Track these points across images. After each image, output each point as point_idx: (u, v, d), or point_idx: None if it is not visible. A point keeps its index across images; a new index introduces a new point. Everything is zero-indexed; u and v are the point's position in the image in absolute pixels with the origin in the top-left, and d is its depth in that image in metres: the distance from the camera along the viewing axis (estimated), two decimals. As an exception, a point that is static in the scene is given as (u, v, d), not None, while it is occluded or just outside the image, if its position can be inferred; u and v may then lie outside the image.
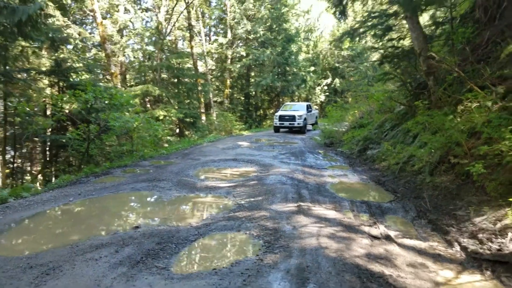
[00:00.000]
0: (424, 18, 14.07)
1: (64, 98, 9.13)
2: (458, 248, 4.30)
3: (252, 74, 33.54)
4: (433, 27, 11.07)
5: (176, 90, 24.43)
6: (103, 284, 3.22)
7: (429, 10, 14.74)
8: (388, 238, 4.40)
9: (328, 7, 10.50)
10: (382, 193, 6.94)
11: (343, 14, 10.08)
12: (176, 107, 20.95)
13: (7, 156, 14.92)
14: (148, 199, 6.72)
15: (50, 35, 10.34)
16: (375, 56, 34.48)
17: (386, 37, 11.43)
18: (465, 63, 8.57)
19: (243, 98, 34.15)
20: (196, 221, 5.17)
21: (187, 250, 4.10)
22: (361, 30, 11.70)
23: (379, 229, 4.68)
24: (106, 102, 10.46)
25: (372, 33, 11.75)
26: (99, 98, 9.69)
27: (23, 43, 11.28)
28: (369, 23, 11.22)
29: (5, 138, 11.99)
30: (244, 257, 3.84)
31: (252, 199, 6.22)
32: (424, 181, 6.80)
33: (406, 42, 12.17)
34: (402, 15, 9.93)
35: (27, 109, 9.17)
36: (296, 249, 3.95)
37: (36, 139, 16.08)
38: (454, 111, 7.50)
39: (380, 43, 11.50)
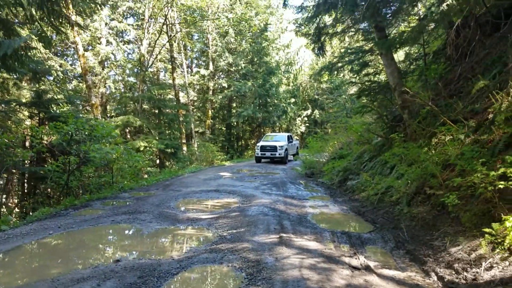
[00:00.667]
0: (399, 54, 14.75)
1: (44, 130, 9.06)
2: (435, 278, 4.42)
3: (234, 105, 34.00)
4: (407, 63, 11.60)
5: (157, 121, 24.47)
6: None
7: (403, 47, 15.50)
8: (368, 268, 4.49)
9: (307, 43, 10.92)
10: (362, 224, 7.07)
11: (321, 50, 10.51)
12: (157, 138, 20.94)
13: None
14: (129, 232, 6.66)
15: (31, 66, 10.36)
16: (353, 90, 35.65)
17: (363, 72, 11.92)
18: (438, 97, 8.99)
19: (224, 129, 34.41)
20: (177, 254, 5.15)
21: (169, 284, 4.08)
22: (339, 64, 12.17)
23: (359, 260, 4.77)
24: (87, 133, 10.42)
25: (349, 67, 12.25)
26: (80, 130, 9.66)
27: (4, 75, 11.27)
28: (347, 59, 11.70)
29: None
30: (226, 290, 3.86)
31: (234, 231, 6.25)
32: (402, 212, 6.98)
33: (382, 77, 12.72)
34: (377, 52, 10.40)
35: (6, 140, 9.04)
36: (278, 281, 3.99)
37: (14, 170, 15.76)
38: (428, 144, 7.81)
39: (357, 78, 11.96)
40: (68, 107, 13.10)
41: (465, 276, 4.20)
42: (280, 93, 33.70)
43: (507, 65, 7.27)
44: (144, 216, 7.55)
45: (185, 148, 25.43)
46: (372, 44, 10.82)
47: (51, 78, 18.49)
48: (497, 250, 4.35)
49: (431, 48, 12.10)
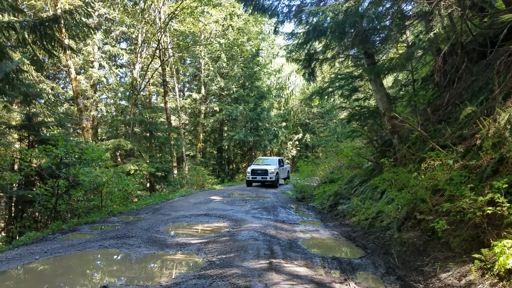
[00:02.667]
0: (388, 80, 15.06)
1: (34, 153, 8.98)
2: (425, 304, 4.39)
3: (225, 128, 34.13)
4: (396, 89, 11.83)
5: (149, 144, 24.41)
6: None
7: (392, 74, 15.83)
8: (358, 295, 4.45)
9: (298, 68, 11.12)
10: (353, 249, 7.04)
11: (311, 75, 10.70)
12: (148, 161, 20.82)
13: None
14: (117, 257, 6.54)
15: (22, 89, 10.36)
16: (343, 114, 36.17)
17: (353, 97, 12.11)
18: (427, 123, 9.14)
19: (215, 152, 34.39)
20: (166, 280, 5.06)
21: (156, 312, 4.00)
22: (329, 89, 12.36)
23: (350, 287, 4.73)
24: (77, 157, 10.34)
25: (339, 92, 12.44)
26: (70, 153, 9.59)
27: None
28: (337, 84, 11.90)
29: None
30: (215, 318, 3.78)
31: (224, 256, 6.17)
32: (393, 237, 6.98)
33: (372, 102, 12.92)
34: (367, 78, 10.61)
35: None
36: (267, 308, 3.93)
37: (1, 194, 15.46)
38: (418, 169, 7.89)
39: (347, 103, 12.14)
40: (58, 130, 13.03)
41: (456, 302, 4.18)
42: (272, 117, 33.99)
43: (494, 92, 7.45)
44: (132, 240, 7.43)
45: (175, 171, 25.29)
46: (361, 70, 11.03)
47: (42, 101, 18.49)
48: (487, 276, 4.35)
49: (420, 75, 12.38)
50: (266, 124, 32.95)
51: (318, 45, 10.46)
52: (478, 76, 8.91)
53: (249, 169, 21.45)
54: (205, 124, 30.78)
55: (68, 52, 16.66)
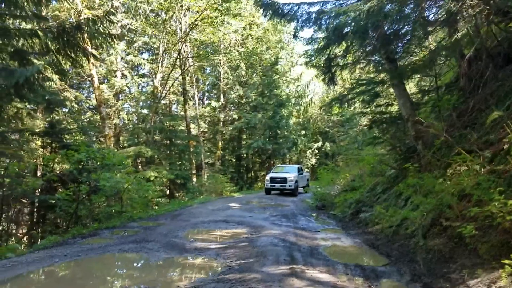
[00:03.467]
0: (411, 86, 14.77)
1: (56, 159, 9.11)
2: (455, 313, 4.18)
3: (244, 136, 34.13)
4: (419, 95, 11.58)
5: (168, 152, 24.60)
6: None
7: (415, 79, 15.54)
8: (383, 302, 4.27)
9: (318, 73, 11.01)
10: (376, 257, 6.82)
11: (331, 80, 10.57)
12: (168, 168, 20.96)
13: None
14: (136, 261, 6.52)
15: (46, 97, 10.58)
16: (364, 122, 35.70)
17: (374, 103, 11.89)
18: (452, 129, 8.88)
19: (234, 160, 34.39)
20: (184, 284, 4.99)
21: (175, 314, 3.92)
22: (350, 96, 12.19)
23: (374, 293, 4.55)
24: (99, 163, 10.45)
25: (360, 99, 12.24)
26: (91, 158, 9.70)
27: (18, 105, 11.49)
28: (357, 90, 11.72)
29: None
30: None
31: (243, 261, 6.06)
32: (418, 244, 6.73)
33: (394, 109, 12.66)
34: (389, 83, 10.41)
35: (17, 169, 9.09)
36: (288, 313, 3.80)
37: (24, 201, 15.77)
38: (443, 175, 7.63)
39: (369, 109, 11.93)
40: (81, 137, 13.22)
41: (487, 311, 3.96)
42: (290, 125, 33.81)
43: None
44: (151, 245, 7.41)
45: (194, 179, 25.38)
46: (383, 75, 10.85)
47: (66, 110, 18.89)
48: (519, 283, 4.12)
49: (443, 81, 12.09)
50: (285, 132, 32.78)
51: (338, 50, 10.33)
52: (504, 81, 8.63)
53: (268, 177, 21.12)
54: (224, 132, 30.89)
55: (92, 60, 17.02)
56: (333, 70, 10.25)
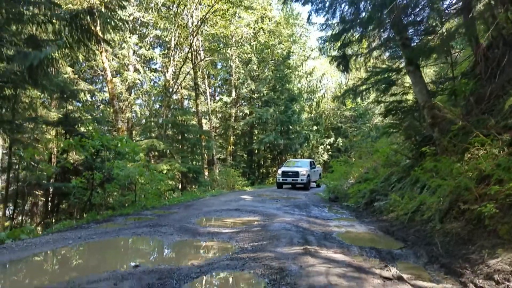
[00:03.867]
0: (427, 73, 14.53)
1: (70, 145, 9.12)
2: (474, 289, 4.06)
3: (256, 132, 34.04)
4: (435, 86, 11.39)
5: (180, 146, 24.65)
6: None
7: (431, 68, 15.26)
8: (400, 279, 4.18)
9: (331, 60, 10.85)
10: (392, 242, 6.71)
11: (346, 67, 10.42)
12: (180, 162, 21.01)
13: (7, 212, 14.65)
14: (149, 243, 6.52)
15: (60, 85, 10.65)
16: (377, 118, 35.31)
17: (389, 92, 11.69)
18: (469, 116, 8.69)
19: (246, 156, 34.34)
20: (198, 261, 4.95)
21: (188, 286, 3.89)
22: (364, 87, 12.01)
23: (391, 272, 4.45)
24: (112, 152, 10.49)
25: (374, 89, 12.03)
26: (105, 145, 9.73)
27: (32, 94, 11.60)
28: (372, 80, 11.54)
29: (7, 188, 11.85)
30: (249, 294, 3.63)
31: (256, 243, 6.01)
32: (435, 229, 6.59)
33: (409, 97, 12.44)
34: (405, 70, 10.23)
35: (34, 156, 9.16)
36: (303, 286, 3.73)
37: (38, 193, 15.98)
38: (461, 159, 7.46)
39: (383, 97, 11.75)
40: (94, 126, 13.28)
41: (507, 285, 3.84)
42: (302, 120, 33.61)
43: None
44: (165, 229, 7.40)
45: (206, 173, 25.42)
46: (398, 63, 10.68)
47: (79, 104, 19.03)
48: (543, 261, 3.99)
49: (460, 70, 11.85)
50: (297, 127, 32.60)
51: (353, 36, 10.17)
52: (522, 69, 8.42)
53: (279, 171, 21.00)
54: (235, 127, 30.86)
55: (104, 52, 17.14)
56: (347, 56, 10.08)
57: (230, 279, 4.23)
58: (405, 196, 8.80)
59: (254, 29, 27.96)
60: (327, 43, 10.01)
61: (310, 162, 22.66)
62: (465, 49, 12.37)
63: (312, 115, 38.51)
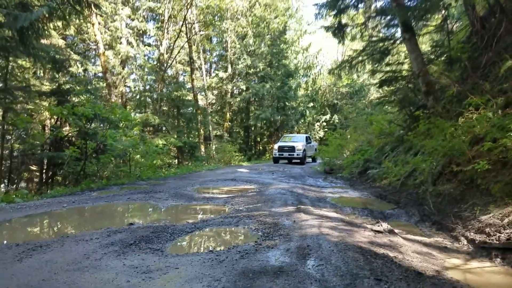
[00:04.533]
0: (423, 45, 14.42)
1: (62, 111, 8.99)
2: (465, 242, 4.14)
3: (252, 108, 33.87)
4: (431, 50, 11.32)
5: (176, 122, 24.51)
6: (93, 257, 3.05)
7: (426, 41, 15.14)
8: (391, 232, 4.24)
9: (327, 28, 10.71)
10: (384, 204, 6.78)
11: (342, 36, 10.31)
12: (175, 137, 20.93)
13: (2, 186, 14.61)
14: (144, 206, 6.54)
15: (51, 54, 10.46)
16: (373, 95, 35.23)
17: (385, 62, 11.61)
18: (465, 83, 8.68)
19: (242, 132, 34.27)
20: (192, 220, 4.99)
21: (182, 238, 3.93)
22: (360, 58, 11.92)
23: (382, 226, 4.51)
24: (105, 121, 10.40)
25: (370, 60, 11.93)
26: (98, 114, 9.64)
27: (24, 64, 11.40)
28: (368, 50, 11.44)
29: (1, 157, 11.77)
30: (242, 243, 3.67)
31: (251, 206, 6.05)
32: (427, 191, 6.64)
33: (404, 67, 12.38)
34: (401, 37, 10.13)
35: (27, 124, 9.05)
36: (296, 236, 3.77)
37: (32, 167, 15.90)
38: (455, 124, 7.48)
39: (379, 67, 11.67)
40: (87, 97, 13.09)
41: (498, 237, 3.90)
42: (299, 96, 33.42)
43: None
44: (160, 195, 7.44)
45: (203, 148, 25.39)
46: (394, 31, 10.56)
47: (72, 79, 18.68)
48: (533, 213, 4.04)
49: (456, 39, 11.76)
50: (293, 104, 32.45)
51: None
52: (519, 35, 8.36)
53: (276, 146, 21.10)
54: (232, 103, 30.66)
55: (97, 26, 16.82)
56: (343, 25, 9.95)
57: (224, 233, 4.27)
58: (398, 163, 8.86)
59: (249, 2, 27.43)
60: (323, 9, 9.83)
61: (306, 137, 22.69)
62: (462, 18, 12.26)
63: (308, 91, 38.25)
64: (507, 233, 3.91)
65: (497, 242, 3.80)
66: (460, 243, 4.11)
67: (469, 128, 6.49)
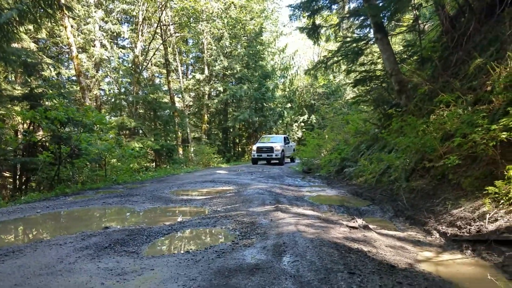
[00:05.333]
0: (395, 45, 14.75)
1: (34, 115, 8.75)
2: (437, 235, 4.25)
3: (230, 109, 33.85)
4: (403, 49, 11.59)
5: (153, 125, 24.22)
6: (66, 261, 2.99)
7: (398, 42, 15.48)
8: (366, 227, 4.31)
9: (302, 28, 10.83)
10: (360, 201, 6.90)
11: (316, 37, 10.43)
12: (152, 140, 20.67)
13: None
14: (120, 210, 6.44)
15: (22, 58, 10.19)
16: (350, 95, 35.77)
17: (358, 62, 11.82)
18: (436, 81, 8.92)
19: (221, 134, 34.19)
20: (169, 222, 4.95)
21: (159, 240, 3.89)
22: (335, 59, 12.10)
23: (357, 222, 4.58)
24: (78, 125, 10.19)
25: (344, 61, 12.13)
26: (71, 117, 9.43)
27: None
28: (342, 50, 11.63)
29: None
30: (219, 243, 3.66)
31: (229, 206, 6.05)
32: (401, 187, 6.80)
33: (378, 67, 12.64)
34: (373, 38, 10.34)
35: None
36: (273, 234, 3.80)
37: (6, 174, 15.43)
38: (426, 121, 7.69)
39: (353, 67, 11.87)
40: (60, 100, 12.78)
41: (469, 229, 4.03)
42: (276, 97, 33.62)
43: (504, 43, 7.22)
44: (136, 198, 7.35)
45: (181, 151, 25.18)
46: (368, 32, 10.76)
47: (45, 83, 18.15)
48: (501, 205, 4.19)
49: (427, 38, 12.08)
50: (271, 105, 32.62)
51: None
52: (487, 34, 8.65)
53: (254, 147, 21.00)
54: (209, 105, 30.54)
55: (69, 29, 16.48)
56: (317, 25, 10.08)
57: (201, 234, 4.25)
58: (373, 161, 9.04)
59: (225, 4, 27.40)
60: (297, 10, 9.94)
61: (284, 137, 22.74)
62: (433, 18, 12.61)
63: (286, 92, 38.53)
64: (477, 225, 4.04)
65: (468, 234, 3.93)
66: (433, 236, 4.22)
67: (440, 125, 6.67)
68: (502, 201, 4.20)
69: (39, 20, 8.49)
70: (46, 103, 12.31)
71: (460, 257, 3.53)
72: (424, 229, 4.52)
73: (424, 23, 12.77)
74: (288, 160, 23.01)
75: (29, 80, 12.99)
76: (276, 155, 20.15)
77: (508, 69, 6.11)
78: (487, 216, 4.08)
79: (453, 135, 6.19)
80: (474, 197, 4.82)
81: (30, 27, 13.97)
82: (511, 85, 5.89)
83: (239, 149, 37.29)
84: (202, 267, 2.84)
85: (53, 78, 19.59)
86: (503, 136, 4.36)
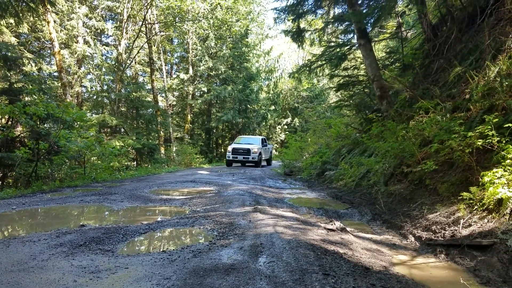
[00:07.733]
0: (378, 52, 14.99)
1: (12, 110, 8.53)
2: (412, 239, 4.33)
3: (214, 110, 33.76)
4: (386, 56, 11.77)
5: (135, 124, 23.94)
6: (39, 258, 2.93)
7: (381, 49, 15.71)
8: (343, 230, 4.36)
9: (286, 30, 10.91)
10: (339, 204, 6.97)
11: (301, 41, 10.52)
12: (134, 139, 20.41)
13: None
14: (98, 209, 6.34)
15: (2, 52, 9.96)
16: (333, 99, 36.19)
17: (342, 65, 11.97)
18: (417, 88, 9.11)
19: (204, 134, 34.04)
20: (147, 221, 4.90)
21: (135, 239, 3.85)
22: (319, 63, 12.22)
23: (335, 225, 4.63)
24: (58, 121, 10.00)
25: (328, 65, 12.27)
26: (50, 114, 9.24)
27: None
28: (326, 55, 11.76)
29: None
30: (196, 243, 3.65)
31: (209, 207, 6.03)
32: (379, 191, 6.91)
33: (361, 72, 12.83)
34: (357, 44, 10.48)
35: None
36: (251, 235, 3.80)
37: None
38: (406, 127, 7.83)
39: (336, 71, 12.01)
40: (42, 98, 12.51)
41: (443, 234, 4.12)
42: (260, 99, 33.67)
43: (483, 53, 7.40)
44: (115, 197, 7.25)
45: (162, 150, 24.95)
46: (350, 37, 10.90)
47: (25, 78, 17.73)
48: (475, 211, 4.29)
49: (409, 46, 12.31)
50: (255, 107, 32.66)
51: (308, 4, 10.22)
52: (468, 43, 8.87)
53: (229, 148, 19.78)
54: (193, 105, 30.37)
55: (52, 24, 16.18)
56: (302, 29, 10.16)
57: (179, 234, 4.23)
58: (353, 164, 9.14)
59: (211, 4, 27.33)
60: (282, 13, 10.01)
61: (262, 139, 21.66)
62: (416, 26, 12.85)
63: (270, 95, 38.65)
64: (451, 230, 4.13)
65: (442, 239, 4.02)
66: (408, 240, 4.29)
67: (419, 131, 6.81)
68: (476, 207, 4.31)
69: (20, 14, 8.28)
70: (26, 98, 12.03)
71: (434, 261, 3.60)
72: (400, 233, 4.60)
73: (407, 31, 13.01)
74: (265, 163, 22.08)
75: (9, 74, 12.66)
76: (253, 158, 19.11)
77: (486, 78, 6.28)
78: (461, 221, 4.18)
79: (431, 141, 6.33)
80: (449, 202, 4.93)
81: (11, 20, 13.62)
82: (489, 94, 6.07)
83: (222, 150, 37.16)
84: (178, 267, 2.82)
85: (34, 74, 19.19)
86: (479, 143, 4.46)
